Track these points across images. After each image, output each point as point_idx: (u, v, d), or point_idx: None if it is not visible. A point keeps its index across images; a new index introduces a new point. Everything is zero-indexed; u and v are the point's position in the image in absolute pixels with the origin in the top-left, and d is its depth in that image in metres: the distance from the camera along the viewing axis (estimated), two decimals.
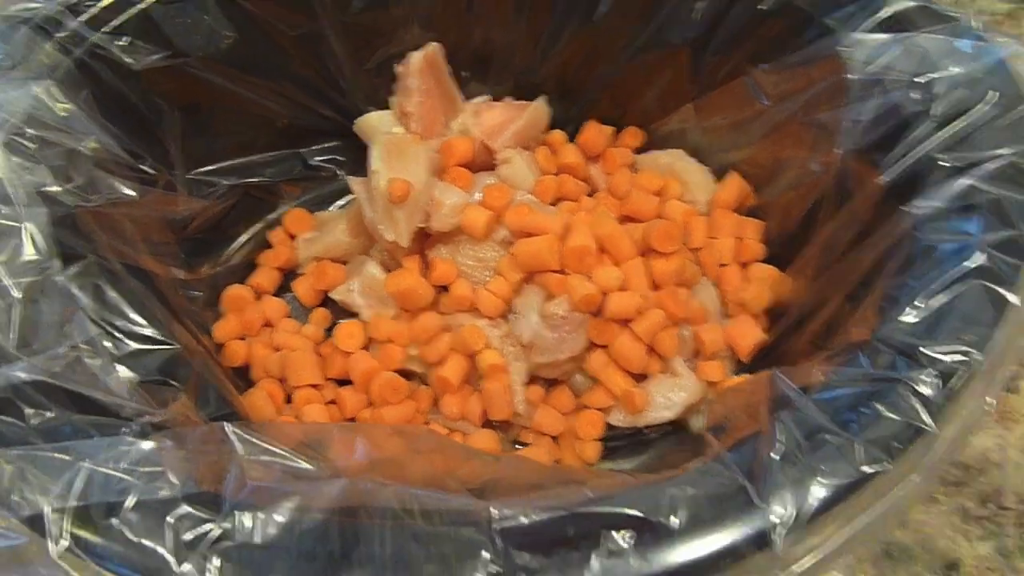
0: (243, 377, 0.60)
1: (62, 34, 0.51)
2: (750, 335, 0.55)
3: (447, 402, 0.55)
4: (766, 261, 0.59)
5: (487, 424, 0.56)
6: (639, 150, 0.67)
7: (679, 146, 0.65)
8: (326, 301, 0.64)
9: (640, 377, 0.55)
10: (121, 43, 0.53)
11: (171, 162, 0.58)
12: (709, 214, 0.61)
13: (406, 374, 0.58)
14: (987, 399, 0.37)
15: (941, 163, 0.43)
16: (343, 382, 0.59)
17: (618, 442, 0.57)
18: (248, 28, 0.58)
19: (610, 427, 0.55)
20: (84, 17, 0.52)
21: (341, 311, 0.62)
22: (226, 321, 0.61)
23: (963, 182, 0.41)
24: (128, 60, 0.53)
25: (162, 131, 0.57)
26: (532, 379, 0.56)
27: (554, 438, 0.56)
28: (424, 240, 0.60)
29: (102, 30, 0.52)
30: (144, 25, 0.54)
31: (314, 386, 0.57)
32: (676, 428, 0.56)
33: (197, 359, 0.51)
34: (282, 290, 0.66)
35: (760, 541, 0.31)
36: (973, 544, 0.56)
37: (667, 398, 0.53)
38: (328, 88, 0.65)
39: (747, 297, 0.56)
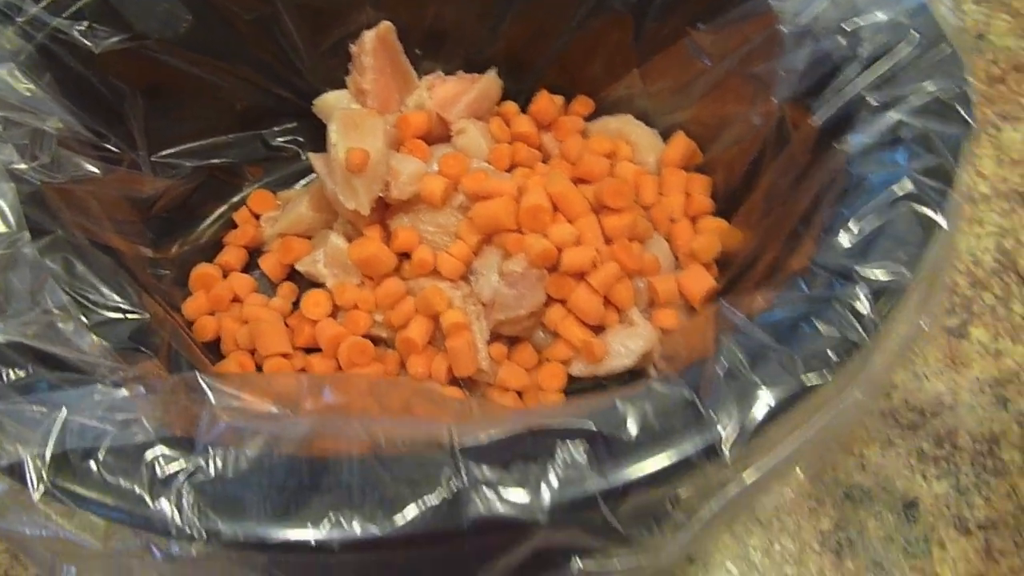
0: (214, 351, 0.60)
1: (22, 19, 0.51)
2: (701, 283, 0.56)
3: (413, 362, 0.56)
4: (715, 214, 0.61)
5: (453, 382, 0.57)
6: (589, 118, 0.68)
7: (627, 111, 0.66)
8: (292, 276, 0.64)
9: (598, 329, 0.56)
10: (81, 27, 0.53)
11: (135, 143, 0.59)
12: (658, 173, 0.63)
13: (373, 340, 0.59)
14: (922, 319, 0.39)
15: (869, 101, 0.44)
16: (311, 351, 0.59)
17: (580, 395, 0.57)
18: (205, 11, 0.59)
19: (572, 380, 0.57)
20: (44, 2, 0.52)
21: (307, 285, 0.63)
22: (195, 298, 0.61)
23: (891, 116, 0.43)
24: (88, 43, 0.54)
25: (125, 113, 0.58)
26: (495, 338, 0.57)
27: (519, 393, 0.57)
28: (385, 211, 0.61)
29: (62, 15, 0.53)
30: (102, 9, 0.54)
31: (284, 355, 0.58)
32: (635, 378, 0.57)
33: (167, 330, 0.52)
34: (250, 269, 0.66)
35: (710, 451, 0.32)
36: (930, 483, 0.58)
37: (625, 346, 0.55)
38: (285, 70, 0.66)
39: (697, 247, 0.58)
